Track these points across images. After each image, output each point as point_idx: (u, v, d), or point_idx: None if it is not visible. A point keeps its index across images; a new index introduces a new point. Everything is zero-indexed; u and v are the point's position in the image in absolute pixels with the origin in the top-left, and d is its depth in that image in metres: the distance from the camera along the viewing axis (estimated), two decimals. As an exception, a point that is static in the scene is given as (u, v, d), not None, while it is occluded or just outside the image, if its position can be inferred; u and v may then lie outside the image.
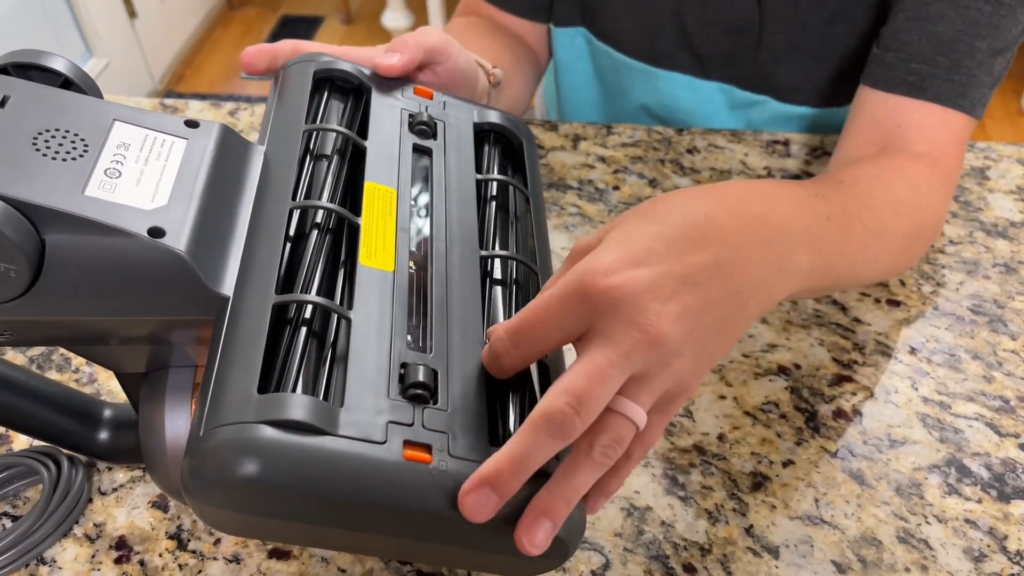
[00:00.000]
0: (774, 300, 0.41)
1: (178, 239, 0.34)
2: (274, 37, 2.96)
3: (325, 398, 0.35)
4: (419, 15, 2.71)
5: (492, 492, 0.33)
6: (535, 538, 0.34)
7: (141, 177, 0.36)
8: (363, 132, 0.47)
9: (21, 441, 0.56)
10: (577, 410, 0.33)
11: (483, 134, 0.52)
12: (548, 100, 1.03)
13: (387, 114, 0.48)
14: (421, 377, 0.36)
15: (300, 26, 3.03)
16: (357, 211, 0.42)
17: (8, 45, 1.92)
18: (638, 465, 0.39)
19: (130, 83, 2.47)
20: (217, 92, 2.68)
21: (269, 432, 0.31)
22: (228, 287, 0.36)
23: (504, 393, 0.40)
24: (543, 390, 0.41)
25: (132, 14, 2.47)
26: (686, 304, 0.36)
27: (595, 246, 0.39)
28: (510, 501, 0.34)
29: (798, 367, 0.61)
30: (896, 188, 0.57)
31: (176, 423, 0.40)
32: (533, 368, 0.41)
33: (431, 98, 0.51)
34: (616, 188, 0.77)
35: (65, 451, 0.53)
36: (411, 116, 0.49)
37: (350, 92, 0.50)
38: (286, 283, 0.38)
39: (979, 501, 0.53)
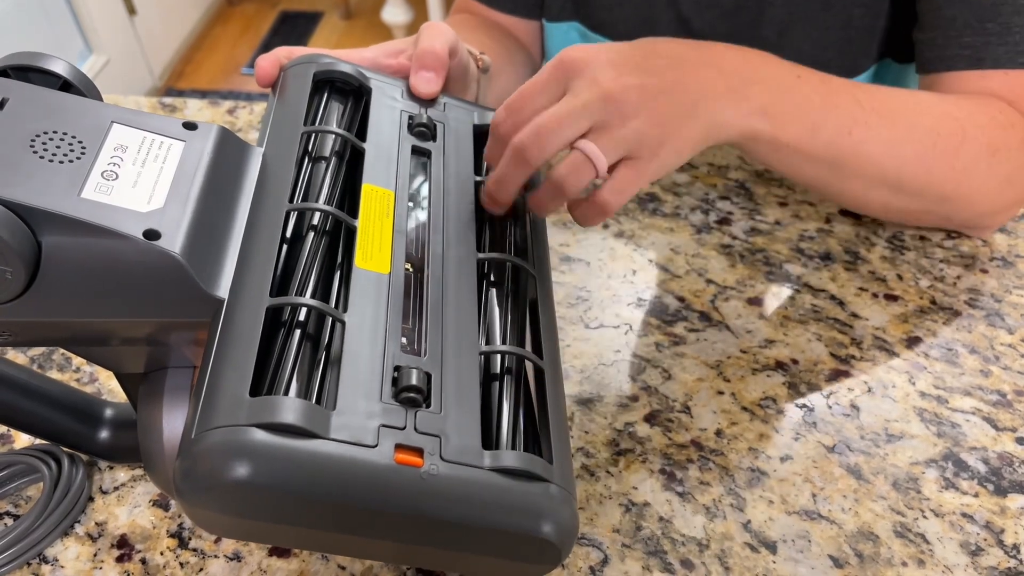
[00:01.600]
0: (727, 116, 0.48)
1: (173, 242, 0.35)
2: (273, 33, 2.95)
3: (318, 401, 0.35)
4: (418, 10, 2.71)
5: (492, 202, 0.46)
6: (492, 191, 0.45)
7: (138, 179, 0.37)
8: (362, 134, 0.47)
9: (23, 440, 0.57)
10: (536, 142, 0.43)
11: (483, 136, 0.52)
12: None
13: (386, 116, 0.48)
14: (414, 380, 0.36)
15: (299, 22, 3.03)
16: (354, 213, 0.42)
17: (7, 42, 1.92)
18: (611, 215, 0.48)
19: (130, 80, 2.47)
20: (217, 88, 2.68)
21: (260, 435, 0.31)
22: (223, 289, 0.36)
23: (498, 397, 0.40)
24: (539, 395, 0.41)
25: (131, 11, 2.46)
26: (642, 81, 0.44)
27: None
28: (498, 497, 0.34)
29: (795, 362, 0.61)
30: (919, 94, 0.60)
31: (174, 424, 0.40)
32: (530, 373, 0.42)
33: None
34: (614, 184, 0.77)
35: (66, 449, 0.53)
36: (411, 118, 0.49)
37: (350, 93, 0.50)
38: (281, 285, 0.38)
39: (976, 495, 0.53)
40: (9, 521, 0.52)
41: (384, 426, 0.34)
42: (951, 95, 0.61)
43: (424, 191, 0.46)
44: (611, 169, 0.46)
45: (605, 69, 0.44)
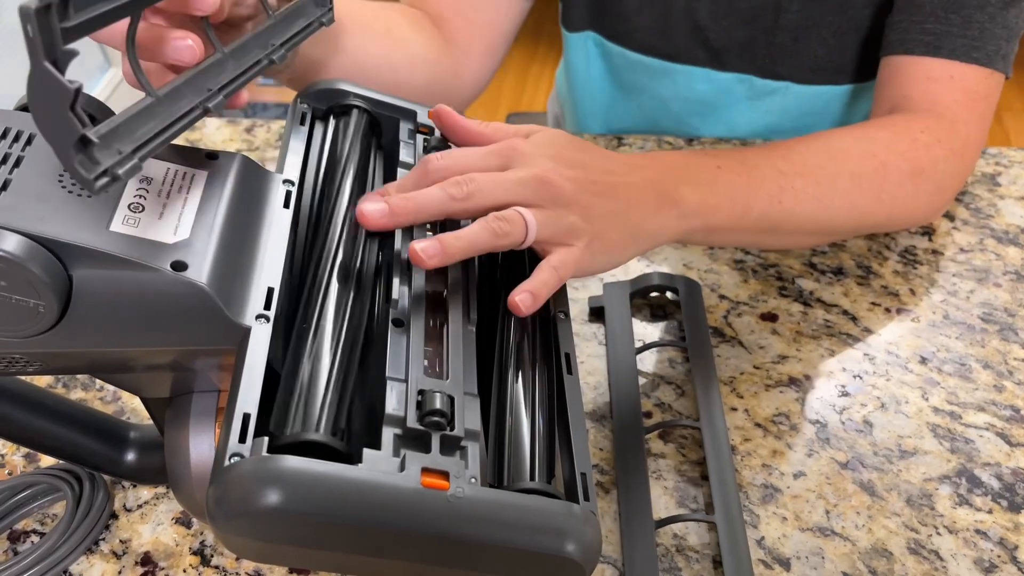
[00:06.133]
0: (660, 222, 0.50)
1: (200, 272, 0.36)
2: (288, 43, 2.97)
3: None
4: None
5: (386, 205, 0.42)
6: (426, 246, 0.41)
7: (164, 211, 0.38)
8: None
9: (48, 460, 0.58)
10: (468, 181, 0.44)
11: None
12: (565, 106, 1.03)
13: (406, 138, 0.50)
14: (438, 404, 0.36)
15: (313, 32, 3.04)
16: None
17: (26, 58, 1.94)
18: (562, 278, 0.45)
19: (146, 92, 2.49)
20: (232, 99, 2.70)
21: (291, 462, 0.32)
22: (249, 318, 0.37)
23: (520, 418, 0.40)
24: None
25: (148, 24, 2.49)
26: (578, 177, 0.47)
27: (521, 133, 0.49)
28: (523, 518, 0.35)
29: (808, 378, 0.62)
30: (835, 138, 0.62)
31: (200, 447, 0.41)
32: (544, 393, 0.42)
33: None
34: (627, 200, 0.78)
35: (87, 468, 0.54)
36: (425, 140, 0.50)
37: (363, 116, 0.51)
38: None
39: (990, 511, 0.53)
40: (35, 539, 0.54)
41: (410, 450, 0.35)
42: (867, 128, 0.64)
43: None
44: (541, 254, 0.46)
45: (546, 160, 0.46)
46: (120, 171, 0.32)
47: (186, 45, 0.40)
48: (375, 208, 0.42)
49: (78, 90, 0.29)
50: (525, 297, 0.43)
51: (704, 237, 0.56)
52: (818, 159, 0.59)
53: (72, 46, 0.30)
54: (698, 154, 0.56)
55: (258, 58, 0.44)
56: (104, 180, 0.31)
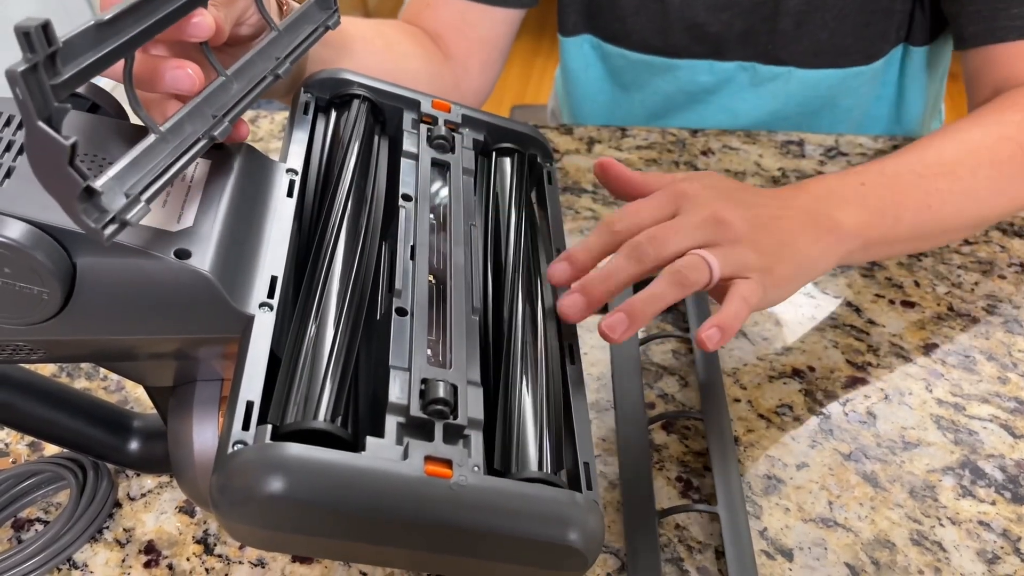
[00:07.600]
0: (821, 250, 0.51)
1: (203, 260, 0.36)
2: (291, 35, 2.96)
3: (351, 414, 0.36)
4: (434, 11, 2.71)
5: (582, 296, 0.45)
6: (612, 322, 0.44)
7: (167, 199, 0.38)
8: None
9: (53, 450, 0.58)
10: (652, 243, 0.46)
11: (500, 145, 0.53)
12: (563, 107, 1.03)
13: (409, 127, 0.50)
14: (441, 393, 0.36)
15: (316, 24, 3.04)
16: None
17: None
18: (751, 309, 0.46)
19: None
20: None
21: (294, 450, 0.32)
22: (253, 306, 0.37)
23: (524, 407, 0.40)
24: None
25: (151, 15, 2.49)
26: (744, 214, 0.48)
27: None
28: (526, 506, 0.35)
29: (812, 369, 0.62)
30: (963, 130, 0.61)
31: (204, 435, 0.41)
32: (549, 383, 0.42)
33: (448, 111, 0.52)
34: (631, 191, 0.77)
35: (91, 457, 0.54)
36: (429, 130, 0.50)
37: (366, 105, 0.51)
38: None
39: (993, 503, 0.53)
40: (39, 527, 0.54)
41: (414, 439, 0.35)
42: (992, 112, 0.63)
43: (445, 203, 0.47)
44: (722, 290, 0.47)
45: (715, 200, 0.48)
46: (129, 216, 0.32)
47: (185, 74, 0.39)
48: (575, 303, 0.45)
49: (74, 145, 0.29)
50: (713, 333, 0.44)
51: (861, 256, 0.56)
52: (955, 155, 0.59)
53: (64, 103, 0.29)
54: (840, 176, 0.56)
55: (263, 75, 0.43)
56: (113, 227, 0.31)
